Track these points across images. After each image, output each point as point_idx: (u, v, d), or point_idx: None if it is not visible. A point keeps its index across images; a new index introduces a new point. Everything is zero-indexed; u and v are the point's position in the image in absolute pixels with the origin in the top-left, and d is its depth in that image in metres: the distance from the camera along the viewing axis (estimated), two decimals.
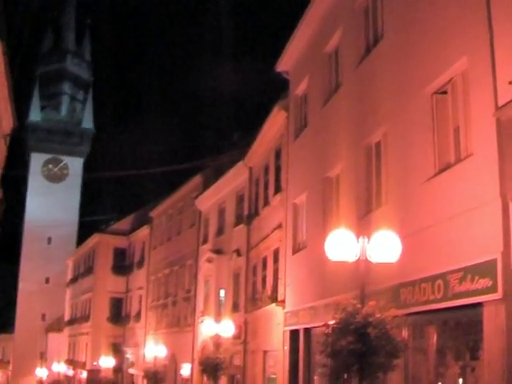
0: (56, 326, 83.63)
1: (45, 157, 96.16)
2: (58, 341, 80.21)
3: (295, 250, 24.23)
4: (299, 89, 25.33)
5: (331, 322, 12.46)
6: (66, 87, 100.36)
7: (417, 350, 14.64)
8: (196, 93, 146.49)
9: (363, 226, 16.07)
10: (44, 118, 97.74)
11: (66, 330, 77.36)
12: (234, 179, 35.97)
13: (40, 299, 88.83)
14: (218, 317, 33.28)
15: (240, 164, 34.35)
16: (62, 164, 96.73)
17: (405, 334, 14.32)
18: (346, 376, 12.49)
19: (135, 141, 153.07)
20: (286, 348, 24.15)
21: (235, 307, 33.74)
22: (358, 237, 12.47)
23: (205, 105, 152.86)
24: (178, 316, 45.53)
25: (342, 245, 12.42)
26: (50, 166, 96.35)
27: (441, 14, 14.06)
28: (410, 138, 15.00)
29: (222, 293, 36.00)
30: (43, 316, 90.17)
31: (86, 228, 78.64)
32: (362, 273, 12.39)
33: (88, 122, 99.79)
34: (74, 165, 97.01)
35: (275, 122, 28.50)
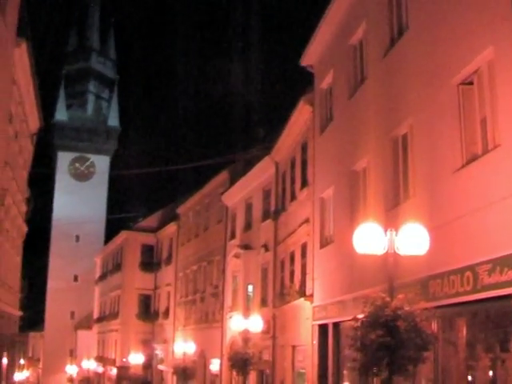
0: (85, 323, 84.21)
1: (71, 155, 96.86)
2: (88, 338, 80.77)
3: (323, 244, 24.21)
4: (324, 82, 25.30)
5: (360, 316, 12.47)
6: (92, 86, 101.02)
7: (446, 342, 14.59)
8: (222, 88, 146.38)
9: (391, 218, 16.04)
10: (70, 116, 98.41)
11: (95, 327, 77.90)
12: (261, 174, 35.99)
13: (69, 297, 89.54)
14: (246, 312, 33.33)
15: (266, 159, 34.36)
16: (88, 162, 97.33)
17: (434, 326, 14.27)
18: (375, 370, 12.47)
19: (161, 137, 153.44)
20: (314, 342, 24.16)
21: (263, 302, 33.80)
22: (385, 230, 12.46)
23: (231, 100, 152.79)
24: (207, 312, 45.68)
25: (369, 238, 12.43)
26: (77, 164, 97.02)
27: (466, 4, 13.97)
28: (437, 129, 14.93)
29: (250, 288, 36.07)
30: (72, 313, 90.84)
31: (114, 225, 79.19)
32: (390, 266, 12.38)
33: (114, 120, 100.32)
34: (101, 163, 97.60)
35: (301, 117, 28.48)
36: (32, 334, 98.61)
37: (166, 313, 57.36)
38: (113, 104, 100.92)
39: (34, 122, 38.27)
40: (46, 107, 48.43)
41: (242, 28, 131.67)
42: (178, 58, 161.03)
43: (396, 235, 12.34)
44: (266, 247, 34.19)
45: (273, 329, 31.57)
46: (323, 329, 23.21)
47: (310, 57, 26.24)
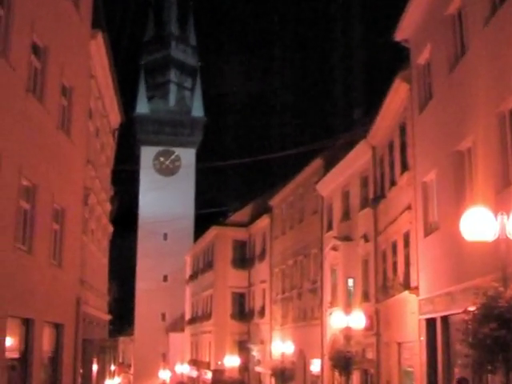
0: (177, 325, 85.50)
1: (155, 150, 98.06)
2: (180, 341, 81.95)
3: (427, 232, 23.92)
4: (421, 57, 24.94)
5: (471, 308, 12.27)
6: (173, 75, 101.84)
7: None
8: (311, 71, 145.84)
9: (501, 201, 15.70)
10: (152, 109, 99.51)
11: (188, 329, 78.94)
12: (357, 160, 35.81)
13: (159, 298, 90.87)
14: (347, 308, 33.26)
15: (362, 143, 34.15)
16: (173, 156, 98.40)
17: None
18: (490, 367, 12.25)
19: (250, 125, 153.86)
20: (422, 338, 23.93)
21: (365, 297, 33.66)
22: (496, 214, 12.21)
23: (321, 82, 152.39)
24: (305, 309, 45.74)
25: (478, 223, 12.20)
26: (162, 158, 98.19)
27: None
28: None
29: (351, 282, 35.93)
30: (163, 315, 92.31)
31: (203, 221, 79.98)
32: (502, 253, 12.14)
33: (198, 110, 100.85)
34: (187, 156, 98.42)
35: (397, 96, 28.18)
36: (122, 339, 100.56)
37: (262, 311, 57.70)
38: (196, 93, 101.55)
39: (114, 117, 38.92)
40: (127, 101, 49.31)
41: (334, 7, 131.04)
42: (262, 38, 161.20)
43: (508, 219, 12.09)
44: (365, 238, 34.03)
45: (376, 325, 31.42)
46: (431, 323, 22.96)
47: (405, 30, 25.88)
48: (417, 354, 24.64)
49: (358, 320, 29.02)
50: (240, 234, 64.70)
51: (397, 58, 29.32)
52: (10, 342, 17.76)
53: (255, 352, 58.38)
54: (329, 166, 41.29)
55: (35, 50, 19.97)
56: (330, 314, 35.81)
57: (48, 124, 21.38)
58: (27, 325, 19.43)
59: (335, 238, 38.52)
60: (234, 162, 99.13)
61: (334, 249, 38.23)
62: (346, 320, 29.34)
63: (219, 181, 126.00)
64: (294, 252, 48.64)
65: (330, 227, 41.11)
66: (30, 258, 19.55)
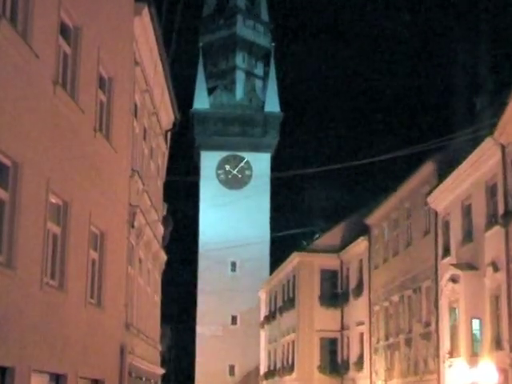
0: (249, 380, 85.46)
1: (219, 155, 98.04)
2: None
3: None
4: None
5: None
6: (240, 60, 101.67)
7: None
8: (418, 49, 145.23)
9: None
10: (214, 104, 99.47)
11: None
12: (481, 163, 35.39)
13: (226, 346, 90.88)
14: (472, 358, 32.83)
15: (488, 142, 33.74)
16: (242, 163, 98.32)
17: None
18: None
19: (339, 123, 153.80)
20: None
21: (496, 343, 33.08)
22: None
23: (431, 64, 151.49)
24: (416, 359, 45.27)
25: None
26: (228, 166, 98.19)
27: None
28: None
29: (477, 324, 35.46)
30: (231, 368, 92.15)
31: (282, 246, 79.92)
32: None
33: (273, 104, 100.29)
34: (259, 162, 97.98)
35: None
36: None
37: (360, 363, 57.30)
38: (270, 82, 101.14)
39: (166, 115, 38.98)
40: (182, 94, 49.32)
41: None
42: (353, 10, 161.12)
43: None
44: (494, 265, 33.54)
45: None
46: None
47: None
48: None
49: (487, 374, 28.62)
50: (329, 261, 64.44)
51: None
52: None
53: None
54: (443, 172, 40.87)
55: (64, 31, 19.99)
56: (450, 366, 35.47)
57: (82, 125, 21.41)
58: (57, 382, 19.43)
59: (454, 266, 38.06)
60: (320, 169, 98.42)
61: (454, 280, 37.79)
62: (471, 374, 28.98)
63: (301, 194, 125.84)
64: (400, 285, 48.29)
65: (446, 252, 40.69)
66: (61, 296, 19.56)
